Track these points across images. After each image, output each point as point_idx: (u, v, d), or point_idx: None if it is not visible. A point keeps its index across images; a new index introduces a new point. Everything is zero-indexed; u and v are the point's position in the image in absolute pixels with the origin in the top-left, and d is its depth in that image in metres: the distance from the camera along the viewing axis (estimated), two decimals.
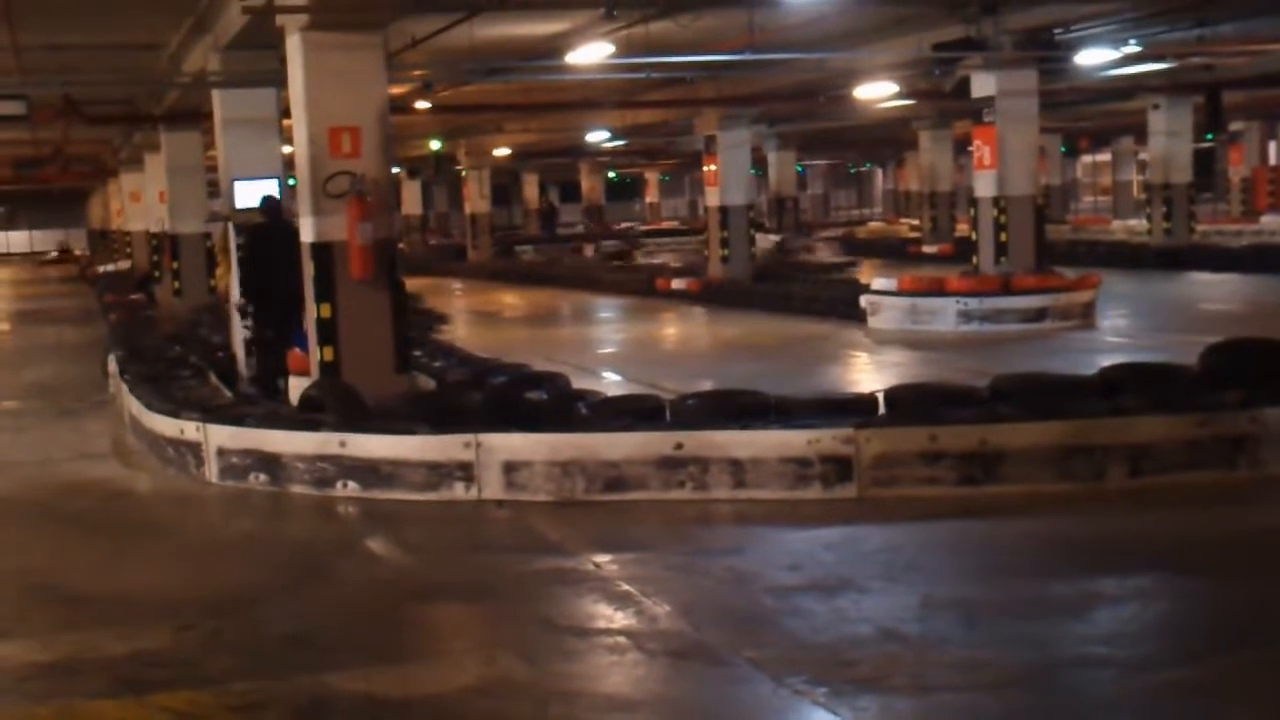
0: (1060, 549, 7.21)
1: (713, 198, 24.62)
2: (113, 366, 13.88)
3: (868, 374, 14.11)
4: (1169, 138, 26.93)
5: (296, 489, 9.16)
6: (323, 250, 10.88)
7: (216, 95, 14.84)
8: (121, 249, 37.12)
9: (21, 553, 8.15)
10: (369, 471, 8.89)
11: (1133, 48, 17.88)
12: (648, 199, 59.76)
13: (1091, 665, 5.53)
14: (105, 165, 36.14)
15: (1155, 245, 26.88)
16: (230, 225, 14.02)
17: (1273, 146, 43.54)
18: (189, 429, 9.92)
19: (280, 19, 11.06)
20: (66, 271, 44.12)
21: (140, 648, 6.10)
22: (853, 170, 66.61)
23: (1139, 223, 32.53)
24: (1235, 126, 36.89)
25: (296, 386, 11.26)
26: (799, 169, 46.48)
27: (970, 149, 19.18)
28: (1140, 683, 5.36)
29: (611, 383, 13.37)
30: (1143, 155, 37.28)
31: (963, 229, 29.98)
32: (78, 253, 52.01)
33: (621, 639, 6.02)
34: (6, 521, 9.07)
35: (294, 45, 10.97)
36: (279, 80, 12.60)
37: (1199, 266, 23.99)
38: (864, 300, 17.76)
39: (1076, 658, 5.61)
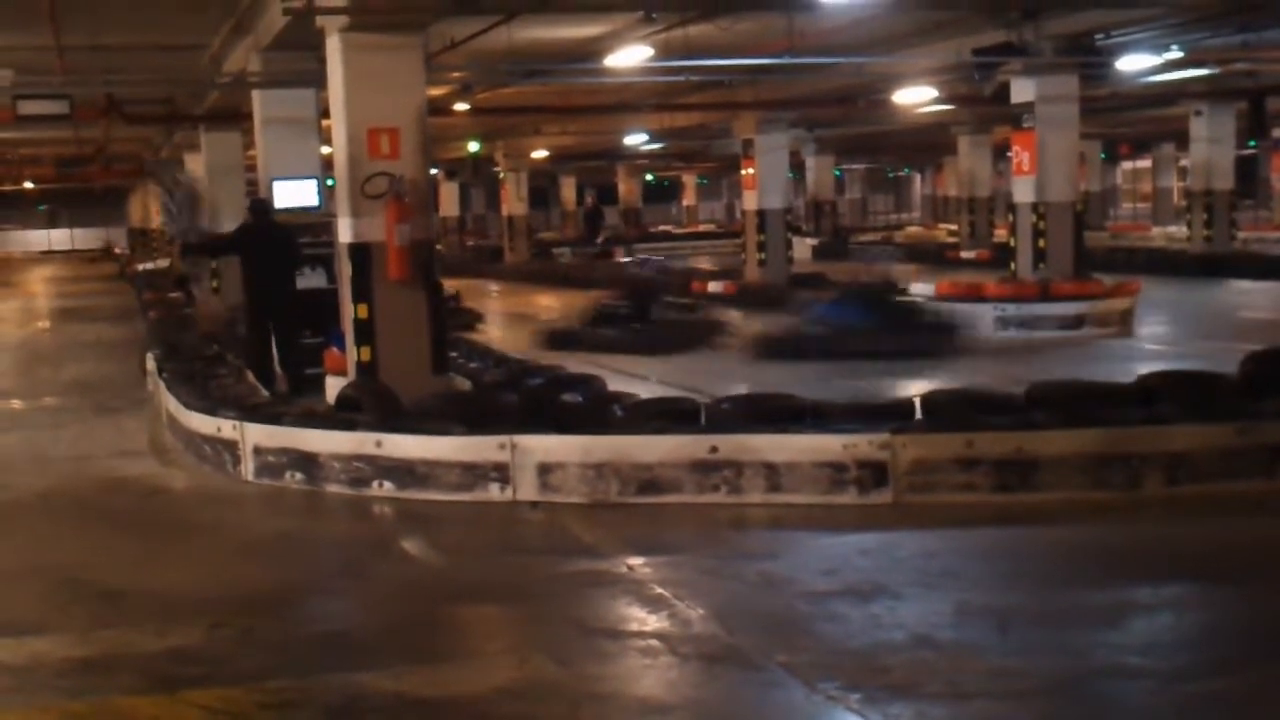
0: (1095, 557, 7.17)
1: (750, 201, 24.63)
2: (151, 364, 13.97)
3: (903, 378, 14.03)
4: (1211, 144, 26.72)
5: (332, 488, 9.20)
6: (360, 251, 10.93)
7: (256, 95, 14.93)
8: (161, 247, 37.32)
9: (60, 549, 8.21)
10: (404, 472, 8.92)
11: (1175, 53, 17.77)
12: (685, 202, 59.76)
13: (1125, 675, 5.50)
14: (146, 164, 36.39)
15: (1195, 252, 26.70)
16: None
17: None
18: (225, 427, 9.97)
19: (320, 20, 11.12)
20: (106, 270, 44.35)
21: (175, 645, 6.14)
22: (891, 175, 66.45)
23: (1179, 229, 32.33)
24: (1278, 133, 36.60)
25: (333, 386, 11.31)
26: (837, 173, 46.38)
27: (1009, 154, 19.09)
28: (1174, 693, 5.32)
29: (646, 385, 13.35)
30: (1184, 161, 37.04)
31: (1001, 234, 29.86)
32: None
33: (654, 642, 6.01)
34: (46, 517, 9.13)
35: (334, 46, 11.03)
36: (318, 81, 12.67)
37: (1240, 274, 23.78)
38: None
39: (1110, 667, 5.58)
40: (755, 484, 8.36)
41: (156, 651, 6.06)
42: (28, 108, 15.12)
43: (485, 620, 6.71)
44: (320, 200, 14.57)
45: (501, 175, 37.39)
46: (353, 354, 11.06)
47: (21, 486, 9.99)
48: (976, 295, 17.16)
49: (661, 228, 51.44)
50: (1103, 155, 45.57)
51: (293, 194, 14.46)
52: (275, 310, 13.03)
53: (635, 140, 33.71)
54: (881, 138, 38.34)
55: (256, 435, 9.70)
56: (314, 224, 14.03)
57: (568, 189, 51.85)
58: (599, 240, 42.84)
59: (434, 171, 20.56)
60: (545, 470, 8.62)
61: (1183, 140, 31.69)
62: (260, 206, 13.62)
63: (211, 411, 10.34)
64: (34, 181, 41.35)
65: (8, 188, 44.31)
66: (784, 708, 5.32)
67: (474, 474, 8.74)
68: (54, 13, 13.20)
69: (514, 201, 36.88)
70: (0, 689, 5.71)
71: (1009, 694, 5.30)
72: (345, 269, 11.16)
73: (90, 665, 5.92)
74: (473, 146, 32.36)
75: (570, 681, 5.57)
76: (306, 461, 9.37)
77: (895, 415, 9.02)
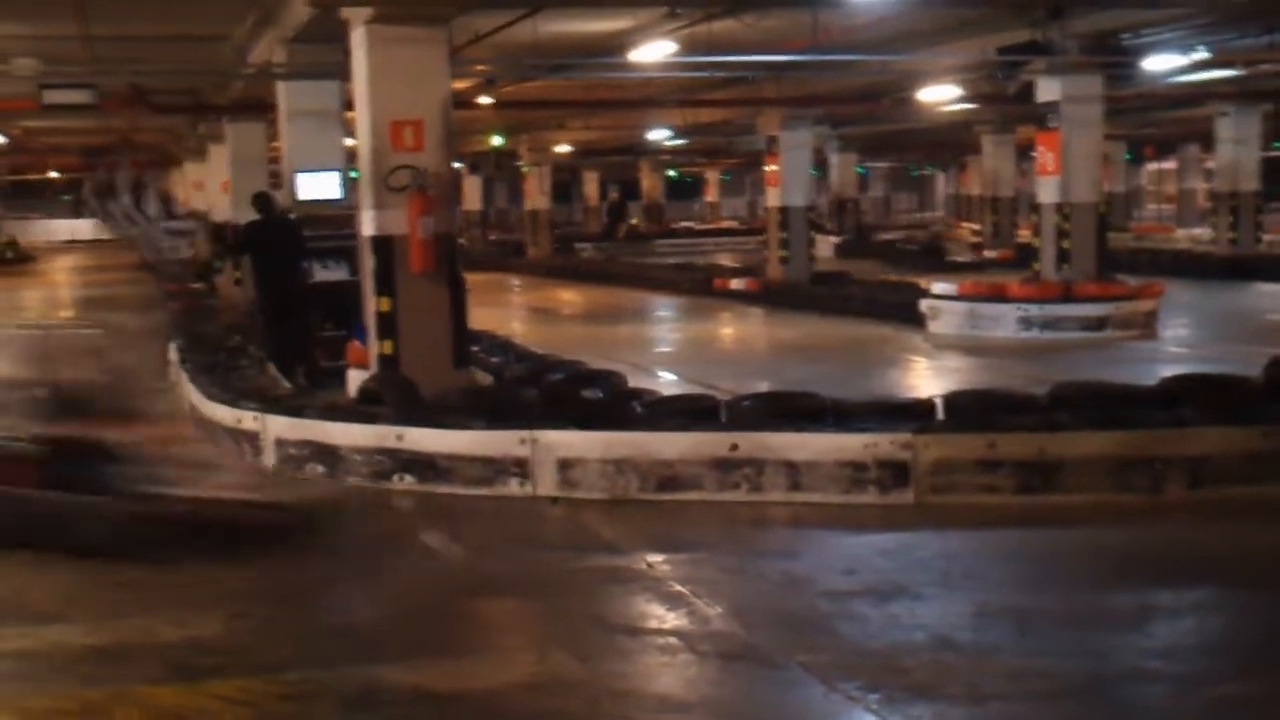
0: (1117, 560, 7.15)
1: (773, 198, 24.55)
2: (173, 355, 14.00)
3: (926, 379, 14.04)
4: (1237, 145, 26.59)
5: (353, 480, 9.20)
6: (383, 244, 10.93)
7: (281, 87, 14.94)
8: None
9: None
10: (425, 465, 8.92)
11: (1201, 54, 17.68)
12: (707, 198, 59.70)
13: (1146, 678, 5.48)
14: (170, 155, 36.50)
15: (1220, 254, 26.56)
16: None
17: None
18: (247, 419, 9.99)
19: (345, 12, 11.12)
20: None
21: (193, 635, 6.15)
22: (914, 174, 66.30)
23: (1203, 231, 32.19)
24: None
25: (355, 379, 11.32)
26: (860, 171, 46.28)
27: (1033, 154, 19.00)
28: (1195, 697, 5.30)
29: (667, 382, 13.36)
30: (1209, 163, 36.85)
31: (1024, 235, 29.78)
32: None
33: (673, 639, 6.01)
34: None
35: (358, 38, 11.03)
36: (343, 73, 12.68)
37: (1265, 277, 23.66)
38: (923, 305, 17.66)
39: (1131, 670, 5.56)
40: (776, 482, 8.34)
41: (175, 641, 6.08)
42: (54, 97, 15.15)
43: (504, 615, 6.72)
44: (343, 193, 14.58)
45: (524, 169, 37.39)
46: (375, 347, 11.07)
47: None
48: (1000, 296, 17.12)
49: (684, 224, 51.36)
50: (1127, 156, 45.37)
51: (316, 186, 14.46)
52: (285, 303, 13.08)
53: (659, 136, 33.70)
54: (905, 136, 38.23)
55: (278, 427, 9.72)
56: (336, 216, 14.04)
57: (590, 184, 51.83)
58: (619, 236, 42.86)
59: (457, 165, 20.59)
60: (565, 466, 8.62)
61: (1208, 141, 31.57)
62: (264, 202, 13.65)
63: (234, 403, 10.36)
64: (59, 171, 41.51)
65: (32, 177, 44.49)
66: (802, 707, 5.31)
67: (494, 468, 8.75)
68: (82, 3, 13.24)
69: (537, 196, 36.88)
70: (21, 676, 5.74)
71: (1029, 696, 5.29)
72: (368, 262, 11.17)
73: (110, 654, 5.94)
74: (496, 140, 32.35)
75: (588, 678, 5.56)
76: (328, 454, 9.38)
77: (917, 415, 8.99)
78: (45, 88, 15.08)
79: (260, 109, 18.46)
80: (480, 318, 14.18)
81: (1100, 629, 6.04)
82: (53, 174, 43.04)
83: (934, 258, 30.09)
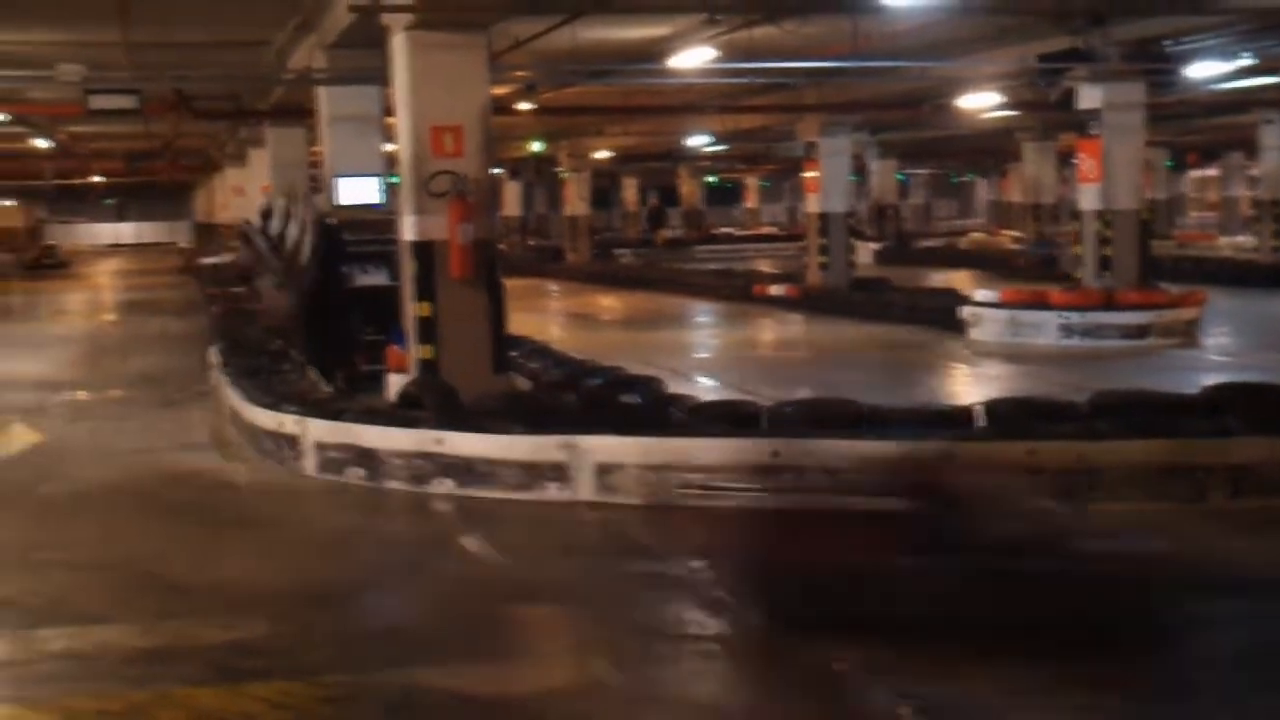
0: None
1: (813, 204, 24.52)
2: (214, 358, 14.08)
3: (966, 386, 13.99)
4: None
5: (393, 484, 9.24)
6: (423, 249, 10.97)
7: (322, 92, 15.02)
8: (225, 242, 37.57)
9: (125, 541, 8.29)
10: (465, 469, 8.95)
11: (1245, 60, 17.54)
12: (747, 204, 59.63)
13: (1183, 690, 5.43)
14: (211, 159, 36.73)
15: (1264, 263, 26.33)
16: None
17: None
18: (288, 422, 10.04)
19: (386, 18, 11.18)
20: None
21: (236, 637, 6.19)
22: (954, 180, 66.03)
23: (1246, 239, 31.92)
24: None
25: (395, 383, 11.36)
26: (900, 177, 46.12)
27: (1075, 161, 18.89)
28: (1233, 710, 5.26)
29: (706, 387, 13.34)
30: (1253, 171, 36.57)
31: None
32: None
33: (714, 645, 6.00)
34: (111, 509, 9.22)
35: (399, 44, 11.08)
36: (383, 78, 12.74)
37: None
38: (964, 311, 17.57)
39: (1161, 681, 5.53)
40: (817, 488, 8.31)
41: (218, 643, 6.12)
42: (98, 102, 15.25)
43: (543, 620, 6.72)
44: (383, 198, 14.65)
45: (563, 175, 37.42)
46: (414, 352, 11.11)
47: (88, 479, 10.09)
48: (1041, 303, 17.03)
49: (723, 229, 51.29)
50: (1169, 164, 45.08)
51: (356, 191, 14.54)
52: (326, 307, 13.17)
53: (698, 142, 33.69)
54: (945, 142, 38.10)
55: (319, 431, 9.77)
56: (376, 221, 14.10)
57: (629, 190, 51.85)
58: (658, 242, 42.86)
59: (497, 171, 20.64)
60: (604, 471, 8.63)
61: (1252, 149, 31.32)
62: None
63: (274, 406, 10.42)
64: (102, 175, 41.79)
65: (77, 181, 44.80)
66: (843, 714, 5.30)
67: (533, 473, 8.76)
68: (126, 10, 13.34)
69: (576, 201, 36.91)
70: (68, 676, 5.80)
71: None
72: (408, 267, 11.22)
73: (154, 655, 5.99)
74: (535, 146, 32.40)
75: (627, 684, 5.57)
76: (368, 457, 9.42)
77: (957, 422, 8.96)
78: (90, 93, 15.19)
79: (301, 114, 18.55)
80: (519, 323, 14.21)
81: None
82: (96, 178, 43.30)
83: (1048, 267, 27.84)
